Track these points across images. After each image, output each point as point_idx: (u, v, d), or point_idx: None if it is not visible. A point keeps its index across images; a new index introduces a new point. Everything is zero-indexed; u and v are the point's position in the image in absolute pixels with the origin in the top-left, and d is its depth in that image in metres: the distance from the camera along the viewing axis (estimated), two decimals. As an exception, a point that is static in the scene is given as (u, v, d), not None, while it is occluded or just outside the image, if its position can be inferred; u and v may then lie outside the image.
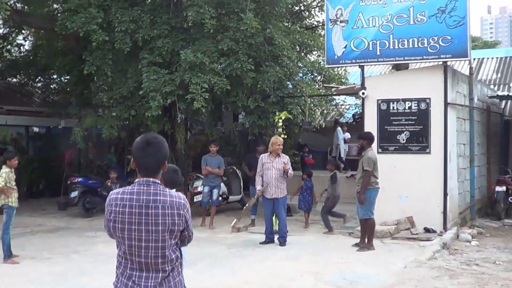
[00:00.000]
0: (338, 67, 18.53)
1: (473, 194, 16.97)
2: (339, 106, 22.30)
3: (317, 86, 18.95)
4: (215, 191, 16.14)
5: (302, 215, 16.64)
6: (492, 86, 22.46)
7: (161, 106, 15.87)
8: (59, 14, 17.20)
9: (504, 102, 20.73)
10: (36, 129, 23.55)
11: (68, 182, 17.77)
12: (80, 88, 19.13)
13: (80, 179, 17.69)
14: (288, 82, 17.23)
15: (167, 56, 16.45)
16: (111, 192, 4.58)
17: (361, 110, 20.48)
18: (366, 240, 13.07)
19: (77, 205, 17.92)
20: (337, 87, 18.78)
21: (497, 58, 26.35)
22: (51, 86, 21.98)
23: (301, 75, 18.69)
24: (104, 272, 11.07)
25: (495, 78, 24.64)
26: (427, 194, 14.56)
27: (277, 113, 16.01)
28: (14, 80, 22.83)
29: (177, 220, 4.42)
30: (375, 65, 18.85)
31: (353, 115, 22.96)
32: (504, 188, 17.45)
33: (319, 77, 20.15)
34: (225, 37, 16.05)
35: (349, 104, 23.05)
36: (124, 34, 16.24)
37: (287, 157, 13.87)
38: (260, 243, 13.80)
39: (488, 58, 26.52)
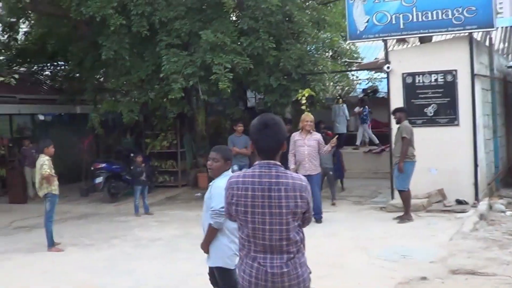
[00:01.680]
0: (358, 42, 18.48)
1: (497, 165, 17.05)
2: (351, 81, 22.17)
3: (340, 62, 18.85)
4: (243, 171, 16.09)
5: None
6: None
7: (183, 88, 15.81)
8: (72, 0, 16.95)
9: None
10: (41, 117, 23.41)
11: (92, 168, 17.70)
12: (95, 73, 18.99)
13: (104, 165, 17.62)
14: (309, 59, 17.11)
15: (184, 38, 16.34)
16: (230, 175, 4.60)
17: (372, 84, 20.67)
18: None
19: (101, 190, 17.84)
20: (359, 63, 18.80)
21: (502, 27, 26.33)
22: (61, 73, 21.74)
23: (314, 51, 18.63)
24: (149, 256, 11.25)
25: (502, 48, 24.72)
26: (457, 166, 14.59)
27: (300, 91, 15.95)
28: (22, 68, 22.57)
29: (300, 202, 4.41)
30: (399, 38, 18.68)
31: (364, 90, 22.91)
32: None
33: (330, 53, 20.10)
34: (244, 16, 15.97)
35: (360, 79, 22.96)
36: (140, 17, 16.12)
37: (319, 134, 13.85)
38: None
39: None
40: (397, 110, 13.64)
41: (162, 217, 15.35)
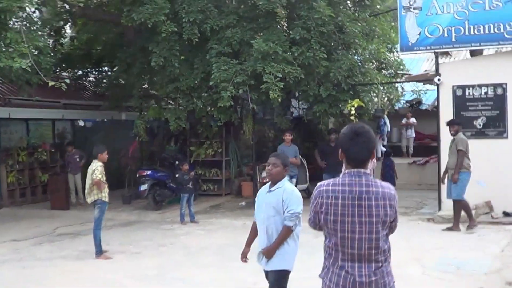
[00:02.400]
0: (411, 54, 18.35)
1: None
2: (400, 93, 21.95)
3: (386, 73, 18.68)
4: (293, 181, 16.05)
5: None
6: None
7: (232, 97, 15.80)
8: (122, 7, 17.01)
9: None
10: (81, 123, 23.51)
11: (137, 175, 17.70)
12: (141, 80, 19.05)
13: (149, 172, 17.59)
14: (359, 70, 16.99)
15: (235, 46, 16.34)
16: (319, 184, 4.57)
17: (417, 96, 20.48)
18: (457, 221, 13.45)
19: (146, 198, 17.80)
20: (409, 74, 18.68)
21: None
22: (107, 79, 21.81)
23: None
24: (200, 264, 11.21)
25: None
26: (505, 178, 14.55)
27: (349, 101, 15.88)
28: (65, 73, 22.67)
29: (389, 212, 4.42)
30: (451, 50, 18.55)
31: (408, 102, 22.71)
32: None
33: (375, 64, 19.95)
34: (296, 26, 15.92)
35: (405, 91, 22.79)
36: (192, 24, 16.14)
37: None
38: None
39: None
40: (454, 122, 13.65)
41: (208, 226, 15.33)
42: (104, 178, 12.04)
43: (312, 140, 22.22)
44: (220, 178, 20.01)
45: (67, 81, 15.05)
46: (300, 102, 20.55)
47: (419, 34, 15.22)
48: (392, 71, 19.32)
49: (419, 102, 22.07)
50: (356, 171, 4.44)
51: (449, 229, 13.38)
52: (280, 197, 6.60)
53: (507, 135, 14.67)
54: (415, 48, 15.55)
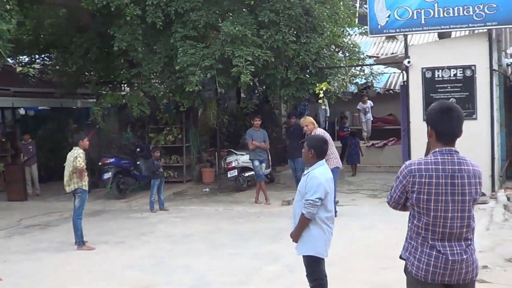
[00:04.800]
0: (380, 36, 18.53)
1: (503, 158, 17.27)
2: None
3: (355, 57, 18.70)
4: (263, 165, 15.97)
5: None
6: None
7: (202, 81, 15.52)
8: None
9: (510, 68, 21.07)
10: (22, 111, 22.79)
11: (100, 163, 17.15)
12: (99, 66, 18.47)
13: (112, 160, 17.04)
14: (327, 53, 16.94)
15: (201, 30, 16.03)
16: (408, 163, 4.53)
17: (367, 80, 20.67)
18: None
19: (105, 187, 17.35)
20: (377, 57, 18.79)
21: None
22: (59, 65, 20.93)
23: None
24: (194, 252, 11.03)
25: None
26: (475, 158, 14.64)
27: (317, 85, 15.85)
28: (11, 61, 21.72)
29: (478, 189, 4.46)
30: (420, 33, 18.74)
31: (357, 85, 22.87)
32: (529, 151, 17.86)
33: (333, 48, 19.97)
34: (264, 9, 15.74)
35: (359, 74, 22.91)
36: (155, 7, 15.67)
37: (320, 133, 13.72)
38: None
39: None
40: None
41: (180, 213, 15.09)
42: (85, 166, 11.63)
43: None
44: (181, 165, 19.65)
45: (36, 66, 14.41)
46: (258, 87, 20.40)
47: (388, 16, 15.31)
48: (348, 54, 19.37)
49: (369, 86, 22.24)
50: (448, 149, 4.43)
51: None
52: (304, 182, 6.55)
53: (476, 117, 14.92)
54: (385, 31, 15.70)
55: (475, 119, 14.93)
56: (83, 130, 12.90)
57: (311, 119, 13.88)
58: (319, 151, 6.66)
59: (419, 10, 15.04)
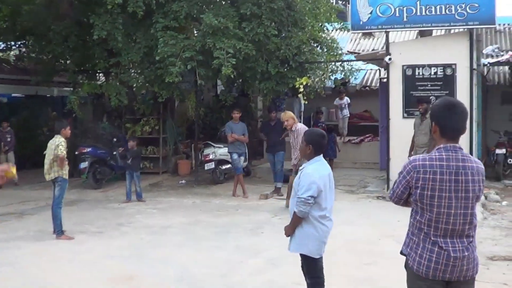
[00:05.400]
0: (362, 32, 18.56)
1: (479, 157, 17.40)
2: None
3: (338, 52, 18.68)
4: (242, 159, 15.94)
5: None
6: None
7: (181, 72, 15.42)
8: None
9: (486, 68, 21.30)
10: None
11: (76, 153, 16.92)
12: (77, 54, 18.23)
13: (89, 149, 16.87)
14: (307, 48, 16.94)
15: (181, 21, 15.91)
16: (413, 158, 4.54)
17: (344, 76, 20.67)
18: None
19: (81, 176, 17.13)
20: (358, 53, 18.82)
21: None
22: (36, 53, 20.56)
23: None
24: (173, 243, 10.97)
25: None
26: (454, 158, 14.85)
27: (297, 79, 15.85)
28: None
29: (482, 187, 4.48)
30: (401, 31, 18.87)
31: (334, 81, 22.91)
32: (504, 150, 18.06)
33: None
34: (246, 1, 15.69)
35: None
36: (137, -4, 15.54)
37: (299, 126, 13.76)
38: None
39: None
40: (423, 101, 13.83)
41: (157, 205, 14.97)
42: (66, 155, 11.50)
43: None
44: (157, 156, 19.53)
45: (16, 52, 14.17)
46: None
47: (371, 13, 15.38)
48: (326, 50, 19.38)
49: (347, 82, 22.25)
50: (453, 146, 4.43)
51: None
52: (298, 179, 6.43)
53: (456, 115, 14.96)
54: (367, 27, 15.77)
55: (455, 117, 14.97)
56: (59, 119, 12.66)
57: (291, 113, 13.93)
58: (317, 146, 6.46)
59: (401, 7, 15.15)
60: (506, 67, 20.35)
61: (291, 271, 8.76)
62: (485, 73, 19.84)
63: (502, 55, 20.01)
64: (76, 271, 9.27)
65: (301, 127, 13.48)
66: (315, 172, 6.30)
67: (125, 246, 10.73)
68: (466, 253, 4.40)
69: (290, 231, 6.47)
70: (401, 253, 4.73)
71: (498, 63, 18.69)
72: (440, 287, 4.47)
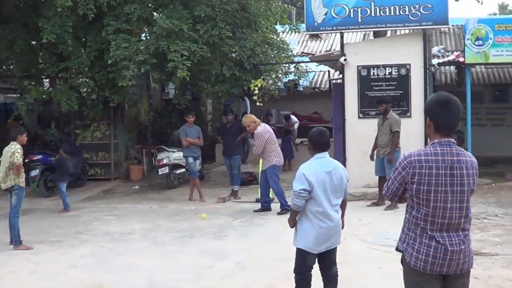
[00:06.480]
0: (318, 33, 18.57)
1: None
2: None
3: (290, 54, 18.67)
4: (197, 162, 15.73)
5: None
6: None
7: (135, 76, 15.16)
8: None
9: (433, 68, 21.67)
10: None
11: (27, 160, 16.37)
12: (24, 59, 17.69)
13: (40, 157, 16.40)
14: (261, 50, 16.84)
15: (134, 23, 15.65)
16: (408, 154, 4.57)
17: (294, 78, 20.70)
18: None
19: (32, 184, 16.57)
20: (313, 54, 18.81)
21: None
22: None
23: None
24: (136, 250, 10.76)
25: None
26: (410, 155, 14.96)
27: (252, 81, 15.77)
28: None
29: (476, 180, 4.56)
30: (356, 32, 18.94)
31: (285, 84, 22.91)
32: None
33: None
34: (199, 3, 15.53)
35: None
36: (87, -2, 15.19)
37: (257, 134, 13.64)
38: (254, 211, 13.87)
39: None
40: (385, 101, 13.82)
41: (113, 211, 14.65)
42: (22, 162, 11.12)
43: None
44: (108, 162, 19.13)
45: None
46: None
47: (325, 14, 15.34)
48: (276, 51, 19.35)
49: (296, 84, 22.28)
50: (447, 140, 4.48)
51: (375, 204, 13.73)
52: None
53: (411, 114, 15.18)
54: (321, 28, 15.72)
55: (410, 117, 15.17)
56: (16, 125, 12.27)
57: (253, 117, 13.83)
58: (315, 144, 6.64)
59: (356, 8, 15.17)
60: (453, 67, 20.69)
61: (262, 275, 8.73)
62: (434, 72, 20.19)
63: (448, 56, 20.38)
64: (39, 283, 8.93)
65: (259, 130, 13.40)
66: (307, 167, 6.47)
67: (87, 255, 10.41)
68: (463, 247, 4.45)
69: (291, 223, 6.69)
70: (397, 249, 4.75)
71: (446, 63, 18.98)
72: (437, 282, 4.50)
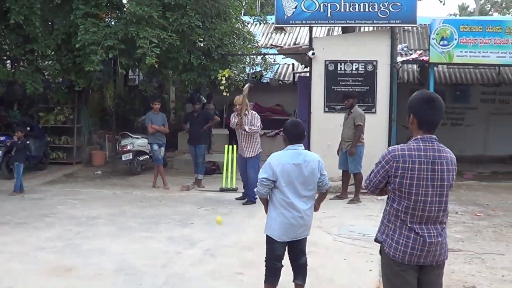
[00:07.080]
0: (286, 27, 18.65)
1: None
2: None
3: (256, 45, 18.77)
4: (162, 149, 15.75)
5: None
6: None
7: (102, 61, 15.07)
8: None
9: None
10: None
11: (-11, 141, 16.23)
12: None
13: (3, 138, 16.21)
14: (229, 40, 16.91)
15: (103, 8, 15.57)
16: (392, 148, 4.73)
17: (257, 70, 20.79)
18: (347, 192, 14.09)
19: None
20: (281, 47, 18.90)
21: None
22: None
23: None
24: (105, 234, 10.74)
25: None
26: (373, 151, 15.04)
27: (220, 71, 15.83)
28: None
29: (454, 176, 4.74)
30: (325, 26, 19.07)
31: (249, 75, 23.00)
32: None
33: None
34: (170, -9, 15.52)
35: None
36: (57, -19, 15.11)
37: (253, 114, 13.77)
38: (236, 198, 14.03)
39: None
40: (349, 95, 13.97)
41: (77, 195, 14.56)
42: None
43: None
44: (70, 146, 19.00)
45: None
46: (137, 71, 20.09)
47: (296, 7, 15.46)
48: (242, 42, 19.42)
49: (261, 75, 22.36)
50: (429, 136, 4.66)
51: (338, 197, 13.88)
52: None
53: (376, 110, 15.44)
54: (291, 22, 15.81)
55: (375, 113, 15.42)
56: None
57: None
58: (288, 134, 6.65)
59: (325, 3, 15.32)
60: (415, 66, 21.01)
61: (231, 261, 8.86)
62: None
63: (411, 54, 20.71)
64: (8, 264, 8.85)
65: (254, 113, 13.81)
66: (275, 157, 6.55)
67: (54, 238, 10.35)
68: (440, 239, 4.65)
69: (265, 211, 6.80)
70: (376, 240, 4.91)
71: (410, 62, 19.29)
72: (414, 272, 4.68)
